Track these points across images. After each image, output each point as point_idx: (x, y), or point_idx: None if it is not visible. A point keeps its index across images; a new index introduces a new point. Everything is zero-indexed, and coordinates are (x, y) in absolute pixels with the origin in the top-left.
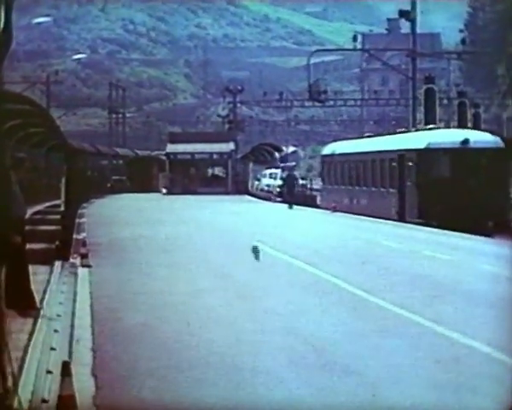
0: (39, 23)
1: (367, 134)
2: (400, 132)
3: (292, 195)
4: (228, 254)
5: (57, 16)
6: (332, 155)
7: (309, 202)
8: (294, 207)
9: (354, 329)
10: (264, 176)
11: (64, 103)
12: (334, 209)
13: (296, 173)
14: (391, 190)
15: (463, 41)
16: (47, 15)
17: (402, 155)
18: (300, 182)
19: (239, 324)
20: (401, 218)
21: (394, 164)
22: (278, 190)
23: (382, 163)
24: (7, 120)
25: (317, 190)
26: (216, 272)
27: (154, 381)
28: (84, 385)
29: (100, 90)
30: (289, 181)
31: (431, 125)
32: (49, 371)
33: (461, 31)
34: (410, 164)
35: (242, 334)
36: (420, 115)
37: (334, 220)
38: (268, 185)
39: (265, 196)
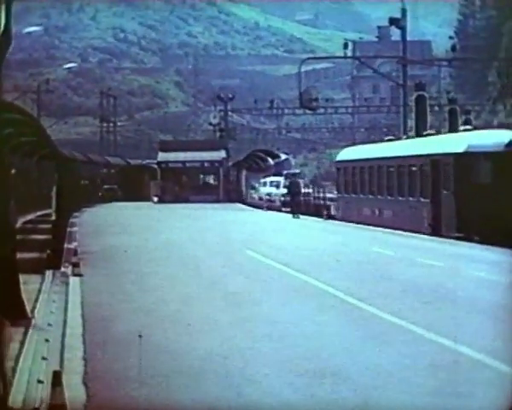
0: (30, 32)
1: (387, 138)
2: (430, 135)
3: (296, 203)
4: (221, 264)
5: (48, 25)
6: (349, 161)
7: (313, 211)
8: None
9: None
10: (264, 184)
11: (55, 112)
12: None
13: (301, 181)
14: (422, 199)
15: (454, 48)
16: (38, 24)
17: (436, 160)
18: (305, 190)
19: (231, 332)
20: (435, 231)
21: (426, 170)
22: (282, 198)
23: (411, 169)
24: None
25: (330, 199)
26: (207, 281)
27: (145, 389)
28: (75, 394)
29: (91, 98)
30: (293, 189)
31: (467, 127)
32: (40, 381)
33: (451, 37)
34: (447, 170)
35: (235, 342)
36: (411, 122)
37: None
38: (269, 194)
39: (259, 204)
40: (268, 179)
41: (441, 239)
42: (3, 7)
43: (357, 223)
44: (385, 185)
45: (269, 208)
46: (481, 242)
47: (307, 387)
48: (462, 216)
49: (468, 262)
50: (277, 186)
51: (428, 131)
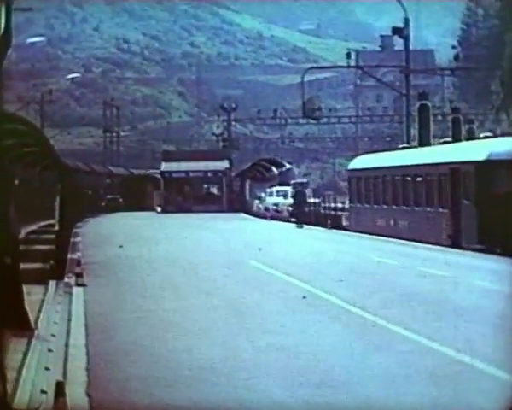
0: (33, 43)
1: (401, 145)
2: (447, 142)
3: (302, 213)
4: (223, 274)
5: (51, 36)
6: (362, 170)
7: (322, 221)
8: (305, 226)
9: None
10: (271, 194)
11: (58, 123)
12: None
13: (308, 191)
14: (440, 209)
15: (457, 57)
16: (41, 35)
17: (456, 168)
18: (312, 200)
19: (232, 341)
20: (455, 243)
21: (445, 179)
22: (291, 209)
23: (429, 178)
24: (2, 140)
25: (341, 209)
26: (210, 291)
27: (147, 399)
28: (78, 404)
29: (94, 109)
30: (299, 198)
31: (487, 134)
32: (43, 391)
33: (454, 47)
34: (467, 179)
35: (236, 351)
36: (414, 131)
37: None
38: (276, 204)
39: (262, 214)
40: (274, 189)
41: (448, 249)
42: (3, 7)
43: (371, 234)
44: (400, 195)
45: (272, 218)
46: (503, 254)
47: (309, 396)
48: (484, 227)
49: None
50: (285, 196)
51: (445, 139)
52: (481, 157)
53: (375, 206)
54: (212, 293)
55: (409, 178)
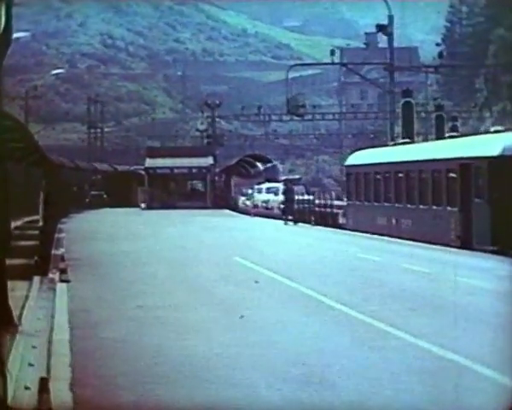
0: (18, 38)
1: (402, 140)
2: (453, 137)
3: (290, 210)
4: (211, 270)
5: (36, 31)
6: (361, 166)
7: (318, 219)
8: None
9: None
10: (259, 191)
11: (43, 118)
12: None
13: (300, 187)
14: (449, 208)
15: (441, 55)
16: (26, 30)
17: (466, 164)
18: (306, 197)
19: (217, 337)
20: (466, 244)
21: (453, 176)
22: (282, 206)
23: (436, 175)
24: None
25: (337, 206)
26: (194, 287)
27: (132, 396)
28: (62, 401)
29: (78, 104)
30: (288, 196)
31: (498, 128)
32: (27, 388)
33: (438, 44)
34: (479, 175)
35: (222, 347)
36: (398, 129)
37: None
38: (266, 201)
39: (247, 210)
40: (264, 186)
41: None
42: (4, 7)
43: (371, 233)
44: (404, 192)
45: (256, 215)
46: None
47: (294, 392)
48: (497, 227)
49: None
50: (276, 193)
51: (451, 134)
52: (495, 152)
53: (376, 203)
54: (197, 288)
55: (413, 175)
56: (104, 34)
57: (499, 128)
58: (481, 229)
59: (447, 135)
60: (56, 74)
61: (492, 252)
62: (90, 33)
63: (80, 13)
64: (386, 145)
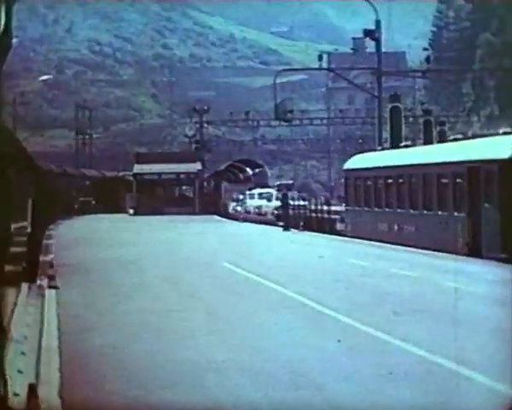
0: None
1: (404, 144)
2: (458, 139)
3: (286, 216)
4: (197, 275)
5: (23, 37)
6: (361, 170)
7: (315, 226)
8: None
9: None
10: (251, 196)
11: (30, 124)
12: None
13: (293, 193)
14: (456, 213)
15: (428, 59)
16: (13, 36)
17: (475, 167)
18: (301, 203)
19: (207, 342)
20: (474, 252)
21: (461, 180)
22: (276, 212)
23: (441, 179)
24: None
25: (335, 212)
26: (183, 293)
27: (121, 401)
28: (51, 407)
29: (66, 111)
30: (283, 201)
31: (507, 129)
32: (16, 394)
33: (425, 49)
34: (489, 180)
35: (211, 352)
36: (386, 134)
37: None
38: (259, 207)
39: (235, 216)
40: (256, 191)
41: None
42: (4, 7)
43: (372, 240)
44: (406, 197)
45: (245, 220)
46: None
47: (282, 396)
48: (508, 234)
49: None
50: (269, 199)
51: (456, 136)
52: (505, 155)
53: (377, 209)
54: (185, 294)
55: (416, 179)
56: (91, 40)
57: (508, 130)
58: (491, 236)
59: (451, 137)
60: (44, 80)
61: (502, 260)
62: (77, 39)
63: (67, 19)
64: (382, 149)
